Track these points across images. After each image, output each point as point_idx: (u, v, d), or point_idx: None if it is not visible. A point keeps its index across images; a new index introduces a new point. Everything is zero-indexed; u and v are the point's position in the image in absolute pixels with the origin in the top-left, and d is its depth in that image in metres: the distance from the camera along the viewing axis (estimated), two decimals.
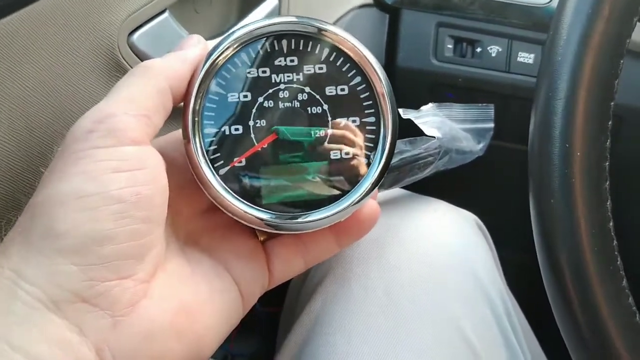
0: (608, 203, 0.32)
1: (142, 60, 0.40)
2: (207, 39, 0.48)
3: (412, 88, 0.66)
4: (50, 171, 0.29)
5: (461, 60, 0.65)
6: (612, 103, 0.32)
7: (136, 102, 0.30)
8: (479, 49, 0.65)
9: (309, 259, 0.36)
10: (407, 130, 0.48)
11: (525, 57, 0.64)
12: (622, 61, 0.32)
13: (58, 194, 0.27)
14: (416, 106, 0.68)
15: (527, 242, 0.36)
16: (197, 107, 0.33)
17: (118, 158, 0.28)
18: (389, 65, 0.66)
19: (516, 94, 0.64)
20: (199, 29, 0.49)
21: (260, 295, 0.36)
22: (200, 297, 0.32)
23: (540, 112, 0.32)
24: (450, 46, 0.65)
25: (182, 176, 0.33)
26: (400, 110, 0.49)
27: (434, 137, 0.47)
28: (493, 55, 0.64)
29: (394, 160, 0.46)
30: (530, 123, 0.34)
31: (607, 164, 0.32)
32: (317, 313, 0.40)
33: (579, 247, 0.31)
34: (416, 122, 0.47)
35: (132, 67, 0.39)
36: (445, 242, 0.44)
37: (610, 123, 0.32)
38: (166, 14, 0.41)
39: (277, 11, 0.53)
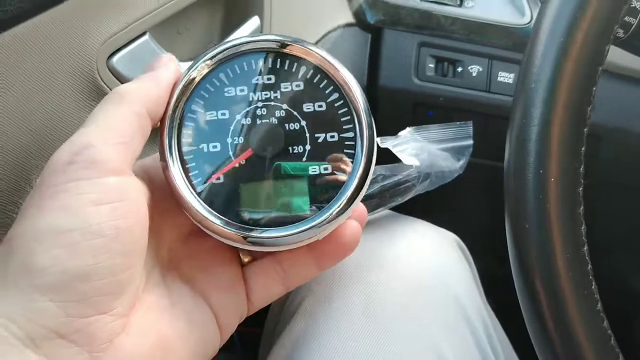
0: (582, 227, 0.32)
1: (122, 83, 0.40)
2: (190, 60, 0.48)
3: (394, 107, 0.67)
4: (28, 204, 0.28)
5: (442, 80, 0.66)
6: (586, 129, 0.32)
7: (114, 129, 0.29)
8: (460, 69, 0.65)
9: (289, 283, 0.36)
10: (388, 155, 0.48)
11: (506, 77, 0.64)
12: (595, 88, 0.32)
13: (37, 229, 0.27)
14: (398, 125, 0.69)
15: (508, 258, 0.36)
16: (174, 127, 0.33)
17: (98, 191, 0.28)
18: (371, 84, 0.67)
19: (496, 113, 0.65)
20: (182, 51, 0.49)
21: (239, 324, 0.35)
22: (177, 331, 0.31)
23: (515, 138, 0.33)
24: (431, 66, 0.66)
25: (166, 199, 0.33)
26: (378, 139, 0.49)
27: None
28: (474, 74, 0.65)
29: (375, 187, 0.46)
30: (505, 148, 0.34)
31: (580, 189, 0.32)
32: (297, 335, 0.40)
33: (554, 272, 0.31)
34: (394, 151, 0.48)
35: (111, 90, 0.39)
36: (425, 263, 0.44)
37: (583, 149, 0.32)
38: (146, 37, 0.41)
39: (259, 32, 0.53)
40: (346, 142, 0.34)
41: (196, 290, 0.34)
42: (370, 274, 0.42)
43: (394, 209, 0.50)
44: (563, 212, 0.31)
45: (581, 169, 0.32)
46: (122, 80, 0.40)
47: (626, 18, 0.37)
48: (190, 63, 0.46)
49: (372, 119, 0.34)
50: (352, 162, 0.34)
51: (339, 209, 0.33)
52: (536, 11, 0.34)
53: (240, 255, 0.36)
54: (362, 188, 0.34)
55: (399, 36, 0.66)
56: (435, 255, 0.46)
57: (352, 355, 0.38)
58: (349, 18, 0.69)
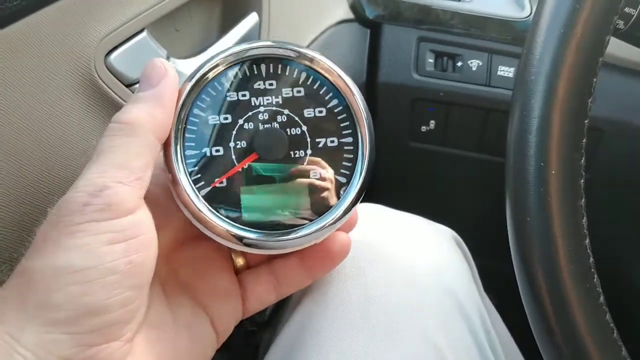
0: (584, 220, 0.32)
1: (120, 81, 0.39)
2: (188, 57, 0.48)
3: (394, 103, 0.67)
4: (45, 239, 0.29)
5: (442, 75, 0.65)
6: (586, 121, 0.32)
7: (128, 167, 0.30)
8: (459, 63, 0.65)
9: (281, 291, 0.38)
10: None
11: (505, 71, 0.64)
12: (595, 80, 0.32)
13: (54, 266, 0.28)
14: (397, 120, 0.69)
15: (509, 253, 0.36)
16: (179, 134, 0.33)
17: (113, 230, 0.29)
18: (371, 80, 0.67)
19: (496, 107, 0.65)
20: (180, 47, 0.49)
21: (232, 328, 0.37)
22: (179, 345, 0.33)
23: (515, 130, 0.32)
24: (431, 60, 0.66)
25: (162, 210, 0.34)
26: None
27: None
28: (473, 69, 0.65)
29: None
30: (506, 140, 0.34)
31: (582, 181, 0.32)
32: (294, 333, 0.40)
33: (556, 266, 0.31)
34: None
35: (109, 88, 0.39)
36: (421, 257, 0.44)
37: (584, 141, 0.32)
38: (144, 34, 0.41)
39: (257, 28, 0.53)
40: (346, 148, 0.35)
41: (194, 299, 0.35)
42: (366, 270, 0.42)
43: (389, 204, 0.50)
44: (564, 204, 0.31)
45: (582, 161, 0.32)
46: (119, 78, 0.39)
47: (626, 9, 0.37)
48: (188, 61, 0.46)
49: (373, 124, 0.35)
50: (351, 166, 0.35)
51: (337, 216, 0.34)
52: (536, 4, 0.34)
53: (234, 258, 0.37)
54: (361, 194, 0.35)
55: (398, 31, 0.66)
56: (431, 249, 0.45)
57: (349, 353, 0.38)
58: (348, 14, 0.69)
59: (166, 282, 0.35)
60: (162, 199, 0.34)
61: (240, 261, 0.37)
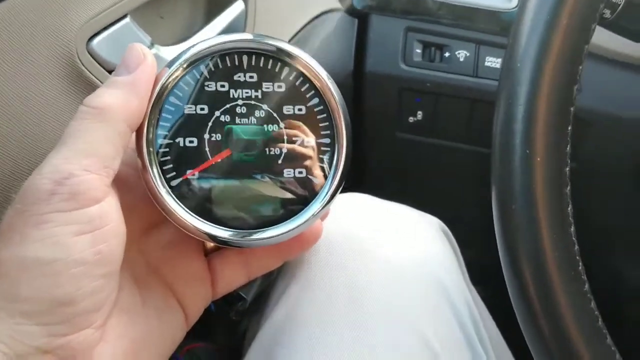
0: (569, 208, 0.32)
1: (103, 67, 0.39)
2: (172, 44, 0.47)
3: (381, 93, 0.67)
4: (11, 228, 0.28)
5: (429, 65, 0.65)
6: (572, 108, 0.32)
7: (96, 154, 0.29)
8: (447, 54, 0.65)
9: (251, 273, 0.38)
10: None
11: (493, 62, 0.64)
12: (580, 67, 0.32)
13: (21, 259, 0.28)
14: (384, 110, 0.69)
15: (496, 244, 0.36)
16: (152, 121, 0.32)
17: (80, 221, 0.28)
18: (358, 69, 0.66)
19: (483, 98, 0.65)
20: (164, 35, 0.48)
21: (202, 311, 0.37)
22: (149, 329, 0.33)
23: (501, 118, 0.32)
24: (418, 51, 0.65)
25: (133, 192, 0.33)
26: None
27: None
28: (461, 59, 0.65)
29: None
30: (492, 129, 0.34)
31: (567, 169, 0.32)
32: (281, 321, 0.40)
33: (541, 253, 0.31)
34: None
35: (92, 74, 0.38)
36: (408, 247, 0.44)
37: (570, 128, 0.32)
38: (127, 19, 0.40)
39: (243, 16, 0.53)
40: (322, 148, 0.35)
41: (164, 283, 0.35)
42: (353, 260, 0.42)
43: (375, 194, 0.50)
44: (549, 192, 0.31)
45: (568, 149, 0.32)
46: (102, 64, 0.39)
47: None
48: (172, 48, 0.46)
49: (351, 126, 0.35)
50: (327, 167, 0.35)
51: (312, 215, 0.34)
52: None
53: (203, 241, 0.37)
54: (335, 194, 0.35)
55: (385, 21, 0.66)
56: (418, 239, 0.45)
57: (336, 344, 0.38)
58: (336, 3, 0.69)
59: (136, 265, 0.35)
60: (132, 179, 0.33)
61: (210, 244, 0.37)
